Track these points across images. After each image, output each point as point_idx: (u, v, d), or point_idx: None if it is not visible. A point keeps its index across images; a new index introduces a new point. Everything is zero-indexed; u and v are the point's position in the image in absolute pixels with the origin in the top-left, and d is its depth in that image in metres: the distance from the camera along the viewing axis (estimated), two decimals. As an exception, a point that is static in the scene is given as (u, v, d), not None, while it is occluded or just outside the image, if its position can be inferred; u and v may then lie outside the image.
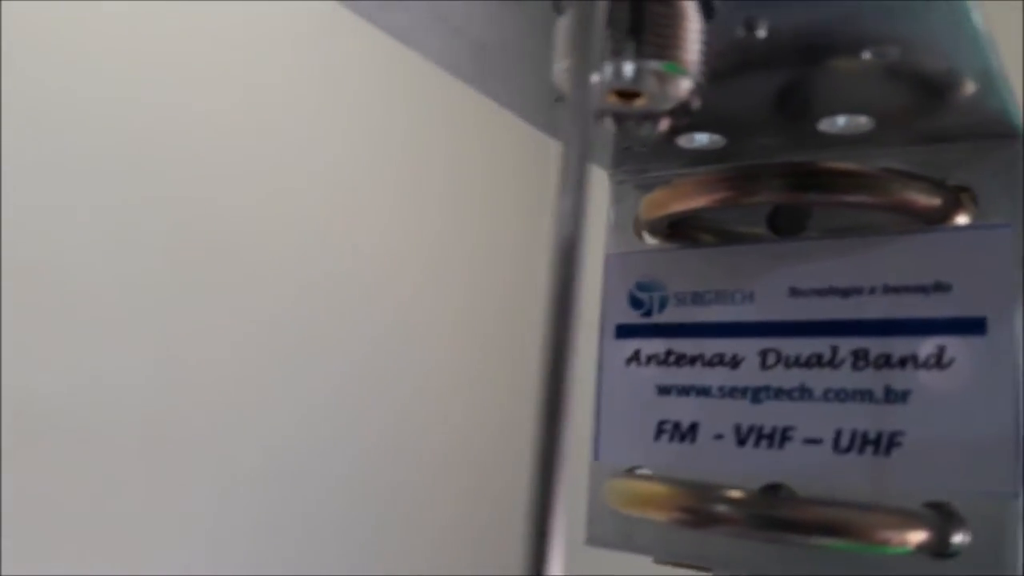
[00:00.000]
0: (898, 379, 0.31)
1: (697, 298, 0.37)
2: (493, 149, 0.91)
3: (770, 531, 0.29)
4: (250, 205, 0.75)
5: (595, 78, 0.24)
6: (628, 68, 0.24)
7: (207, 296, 0.72)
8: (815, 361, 0.33)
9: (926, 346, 0.31)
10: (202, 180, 0.72)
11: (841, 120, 0.33)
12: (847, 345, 0.32)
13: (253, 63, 0.75)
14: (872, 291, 0.32)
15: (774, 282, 0.35)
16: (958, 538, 0.29)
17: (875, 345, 0.32)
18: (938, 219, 0.32)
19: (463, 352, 0.94)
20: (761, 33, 0.28)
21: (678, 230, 0.38)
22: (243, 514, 0.73)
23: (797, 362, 0.33)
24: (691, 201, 0.34)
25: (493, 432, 0.94)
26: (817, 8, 0.27)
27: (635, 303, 0.38)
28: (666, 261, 0.38)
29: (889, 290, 0.32)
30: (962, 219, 0.32)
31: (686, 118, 0.25)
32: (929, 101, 0.31)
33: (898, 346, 0.31)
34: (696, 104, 0.25)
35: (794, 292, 0.34)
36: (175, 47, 0.69)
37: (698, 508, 0.29)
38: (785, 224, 0.36)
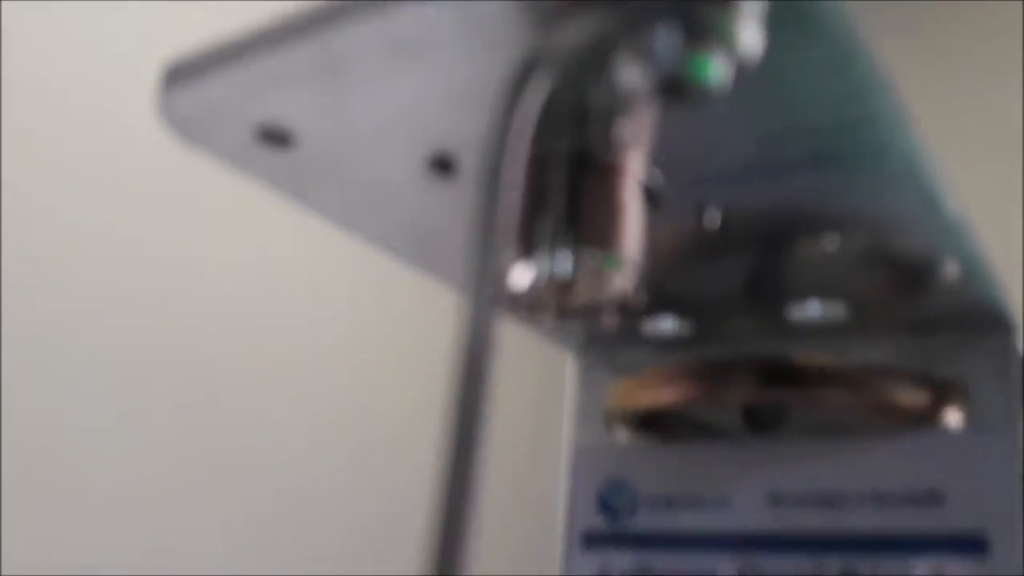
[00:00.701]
0: (892, 607, 0.27)
1: (671, 502, 0.33)
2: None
3: None
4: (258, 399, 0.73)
5: (529, 272, 0.22)
6: (563, 261, 0.22)
7: (202, 490, 0.69)
8: (799, 582, 0.29)
9: (921, 569, 0.27)
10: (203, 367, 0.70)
11: (814, 306, 0.30)
12: (834, 565, 0.29)
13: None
14: (860, 500, 0.29)
15: (752, 486, 0.32)
16: None
17: (865, 566, 0.28)
18: (927, 417, 0.29)
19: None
20: (713, 219, 0.26)
21: (650, 421, 0.35)
22: None
23: (779, 582, 0.30)
24: (658, 396, 0.32)
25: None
26: (773, 192, 0.25)
27: (604, 506, 0.35)
28: (637, 458, 0.35)
29: (878, 499, 0.29)
30: (954, 417, 0.29)
31: (630, 313, 0.23)
32: (908, 287, 0.29)
33: (891, 568, 0.28)
34: (639, 299, 0.23)
35: (774, 499, 0.31)
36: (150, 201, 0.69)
37: None
38: (762, 419, 0.33)
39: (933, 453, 0.28)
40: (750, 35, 0.17)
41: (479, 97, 0.21)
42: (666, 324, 0.33)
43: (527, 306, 0.22)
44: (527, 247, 0.22)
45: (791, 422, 0.32)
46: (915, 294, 0.29)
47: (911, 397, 0.29)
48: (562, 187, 0.22)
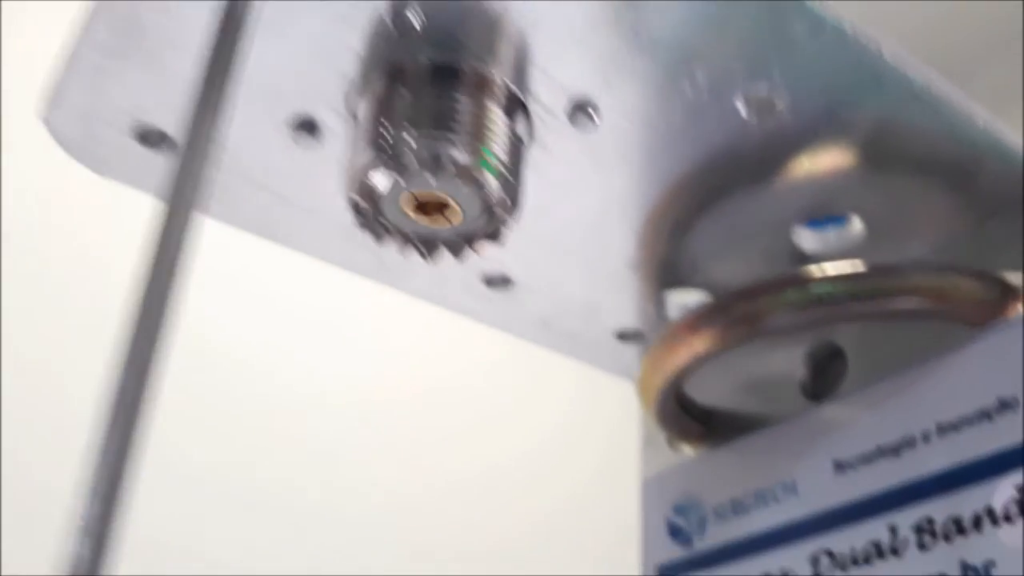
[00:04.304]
0: (975, 548, 0.22)
1: (737, 507, 0.29)
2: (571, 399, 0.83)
3: None
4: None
5: (384, 179, 0.20)
6: (436, 155, 0.20)
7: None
8: (874, 553, 0.24)
9: (1002, 491, 0.22)
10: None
11: (825, 231, 0.26)
12: (908, 519, 0.24)
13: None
14: (926, 438, 0.24)
15: (815, 461, 0.27)
16: None
17: (941, 509, 0.23)
18: (989, 317, 0.24)
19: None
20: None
21: (708, 424, 0.31)
22: None
23: (854, 561, 0.25)
24: (691, 350, 0.27)
25: None
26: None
27: (674, 532, 0.31)
28: (702, 470, 0.31)
29: (945, 429, 0.24)
30: (1015, 312, 0.24)
31: (498, 234, 0.21)
32: (921, 185, 0.25)
33: (968, 501, 0.22)
34: (510, 217, 0.21)
35: (839, 467, 0.26)
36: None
37: None
38: (817, 382, 0.28)
39: (997, 354, 0.23)
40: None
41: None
42: (689, 298, 0.30)
43: (392, 230, 0.21)
44: (391, 157, 0.20)
45: (850, 372, 0.27)
46: (931, 194, 0.25)
47: (980, 289, 0.24)
48: (429, 96, 0.21)
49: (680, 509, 0.31)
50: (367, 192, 0.20)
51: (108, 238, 0.63)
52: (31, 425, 0.64)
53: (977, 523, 0.22)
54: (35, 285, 0.64)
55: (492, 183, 0.20)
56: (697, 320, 0.26)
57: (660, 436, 0.34)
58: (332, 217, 0.26)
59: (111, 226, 0.62)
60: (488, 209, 0.20)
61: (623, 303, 0.31)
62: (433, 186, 0.20)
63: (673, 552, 0.31)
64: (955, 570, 0.22)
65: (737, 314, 0.25)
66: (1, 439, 0.62)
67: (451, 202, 0.20)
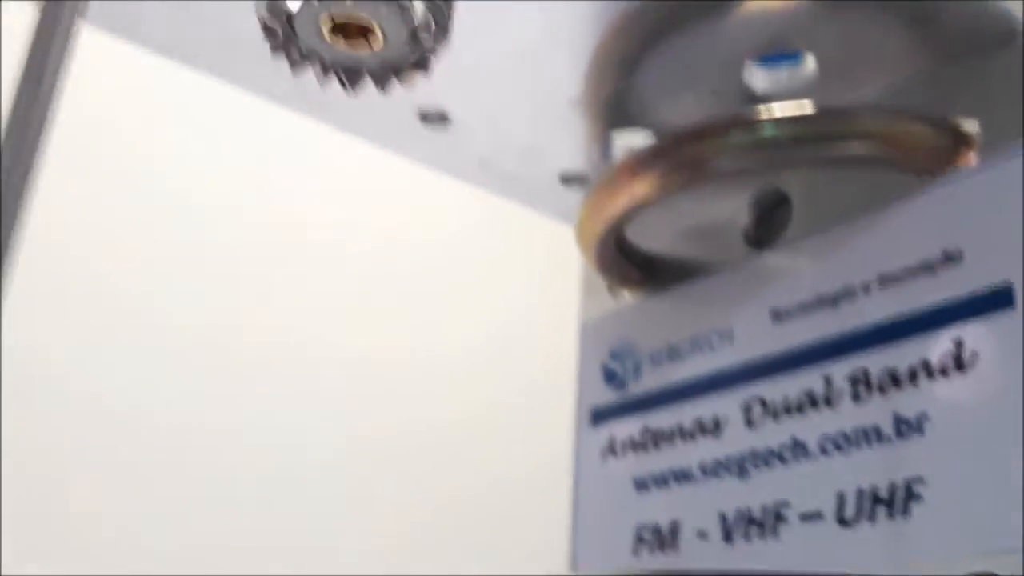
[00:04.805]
0: (909, 402, 0.21)
1: (672, 353, 0.28)
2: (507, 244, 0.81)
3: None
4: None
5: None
6: None
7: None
8: (807, 402, 0.24)
9: (939, 344, 0.21)
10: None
11: (778, 69, 0.25)
12: (843, 370, 0.23)
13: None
14: (866, 289, 0.23)
15: (753, 309, 0.26)
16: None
17: (877, 361, 0.22)
18: (941, 166, 0.23)
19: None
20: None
21: (649, 270, 0.30)
22: None
23: (786, 409, 0.24)
24: (632, 195, 0.25)
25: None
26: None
27: (609, 376, 0.30)
28: (640, 316, 0.30)
29: (886, 281, 0.23)
30: (969, 162, 0.23)
31: (427, 64, 0.19)
32: (879, 22, 0.23)
33: (905, 354, 0.22)
34: (438, 45, 0.19)
35: (776, 315, 0.25)
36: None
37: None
38: (761, 229, 0.27)
39: (944, 206, 0.22)
40: None
41: None
42: (636, 139, 0.29)
43: (309, 55, 0.19)
44: None
45: (794, 220, 0.27)
46: (890, 30, 0.23)
47: (933, 136, 0.23)
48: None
49: (616, 354, 0.31)
50: (279, 11, 0.18)
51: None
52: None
53: (913, 376, 0.21)
54: None
55: (416, 4, 0.18)
56: (638, 164, 0.24)
57: (600, 282, 0.33)
58: (253, 41, 0.24)
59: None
60: (414, 34, 0.19)
61: (567, 144, 0.29)
62: (348, 5, 0.18)
63: (607, 396, 0.30)
64: (888, 422, 0.22)
65: (679, 158, 0.24)
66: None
67: (372, 25, 0.18)
